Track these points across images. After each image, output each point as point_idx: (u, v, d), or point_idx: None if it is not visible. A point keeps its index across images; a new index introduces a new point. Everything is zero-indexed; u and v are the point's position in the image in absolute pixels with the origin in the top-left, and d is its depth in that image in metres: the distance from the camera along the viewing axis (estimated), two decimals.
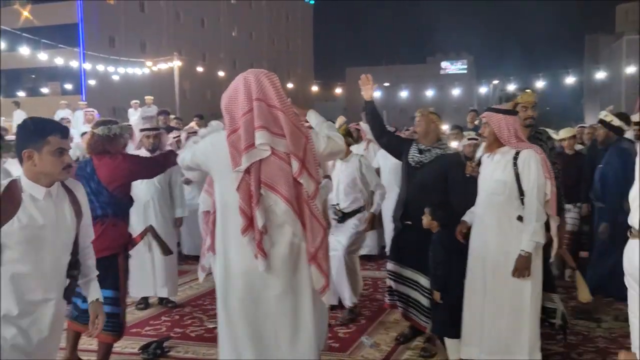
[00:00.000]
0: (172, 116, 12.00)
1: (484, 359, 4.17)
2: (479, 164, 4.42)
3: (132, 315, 5.88)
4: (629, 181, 5.41)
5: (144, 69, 28.36)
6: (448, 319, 4.40)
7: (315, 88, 40.91)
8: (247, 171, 3.16)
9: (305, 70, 63.09)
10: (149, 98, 17.15)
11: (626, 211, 5.35)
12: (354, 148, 6.66)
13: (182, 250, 8.11)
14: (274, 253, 3.23)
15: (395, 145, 5.20)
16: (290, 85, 34.46)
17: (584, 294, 4.75)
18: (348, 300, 5.70)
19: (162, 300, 6.40)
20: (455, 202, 4.62)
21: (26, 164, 2.79)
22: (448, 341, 4.52)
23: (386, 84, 55.79)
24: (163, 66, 29.00)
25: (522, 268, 3.96)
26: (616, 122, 5.55)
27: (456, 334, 4.37)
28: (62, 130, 2.85)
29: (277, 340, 3.25)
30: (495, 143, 4.14)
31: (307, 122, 3.59)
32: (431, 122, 4.89)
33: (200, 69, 34.46)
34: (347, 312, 5.71)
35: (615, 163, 5.49)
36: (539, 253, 4.10)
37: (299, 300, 3.28)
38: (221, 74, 30.60)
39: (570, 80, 24.87)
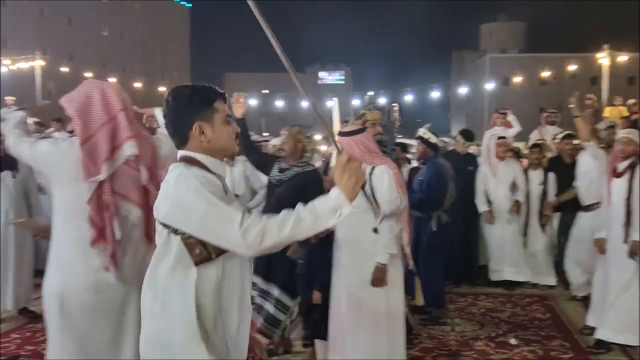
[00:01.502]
0: (31, 119, 11.24)
1: None
2: None
3: None
4: (437, 194, 5.89)
5: (2, 67, 26.43)
6: (321, 321, 4.46)
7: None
8: (100, 181, 3.09)
9: (181, 74, 61.86)
10: (9, 99, 15.99)
11: (440, 220, 5.84)
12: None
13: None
14: (124, 263, 3.15)
15: (261, 163, 5.31)
16: (162, 89, 33.48)
17: (419, 298, 5.24)
18: None
19: (21, 312, 6.15)
20: None
21: (196, 141, 2.23)
22: (318, 343, 4.61)
23: (265, 92, 55.93)
24: (24, 65, 27.16)
25: (378, 279, 4.11)
26: (433, 139, 5.96)
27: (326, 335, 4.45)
28: (222, 94, 2.34)
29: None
30: None
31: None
32: (298, 142, 5.00)
33: (65, 69, 32.62)
34: None
35: (427, 177, 5.88)
36: (396, 263, 4.27)
37: None
38: (89, 75, 29.19)
39: (436, 94, 26.23)
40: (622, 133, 5.29)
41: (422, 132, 5.96)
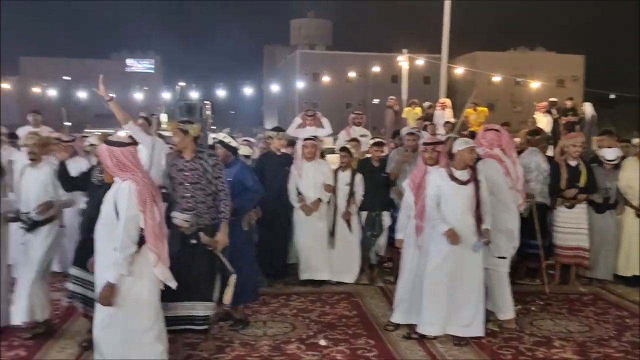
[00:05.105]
0: None
1: None
2: None
3: None
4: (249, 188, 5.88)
5: None
6: None
7: None
8: None
9: None
10: None
11: (250, 220, 5.94)
12: None
13: None
14: None
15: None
16: None
17: (227, 296, 5.12)
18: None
19: None
20: None
21: None
22: None
23: (66, 78, 52.10)
24: None
25: (106, 297, 4.07)
26: (233, 143, 5.93)
27: None
28: None
29: None
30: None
31: None
32: None
33: None
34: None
35: (246, 180, 5.82)
36: (140, 284, 4.17)
37: None
38: None
39: (249, 90, 26.44)
40: (463, 143, 5.34)
41: (222, 136, 5.95)
